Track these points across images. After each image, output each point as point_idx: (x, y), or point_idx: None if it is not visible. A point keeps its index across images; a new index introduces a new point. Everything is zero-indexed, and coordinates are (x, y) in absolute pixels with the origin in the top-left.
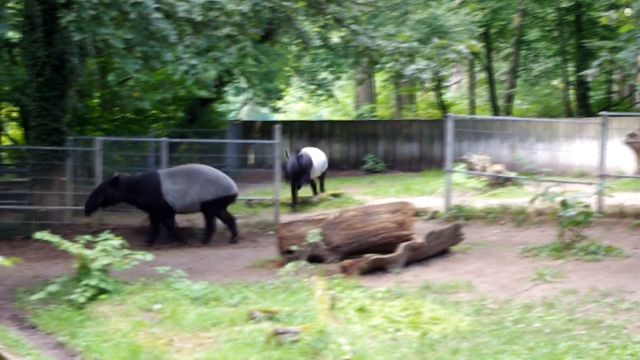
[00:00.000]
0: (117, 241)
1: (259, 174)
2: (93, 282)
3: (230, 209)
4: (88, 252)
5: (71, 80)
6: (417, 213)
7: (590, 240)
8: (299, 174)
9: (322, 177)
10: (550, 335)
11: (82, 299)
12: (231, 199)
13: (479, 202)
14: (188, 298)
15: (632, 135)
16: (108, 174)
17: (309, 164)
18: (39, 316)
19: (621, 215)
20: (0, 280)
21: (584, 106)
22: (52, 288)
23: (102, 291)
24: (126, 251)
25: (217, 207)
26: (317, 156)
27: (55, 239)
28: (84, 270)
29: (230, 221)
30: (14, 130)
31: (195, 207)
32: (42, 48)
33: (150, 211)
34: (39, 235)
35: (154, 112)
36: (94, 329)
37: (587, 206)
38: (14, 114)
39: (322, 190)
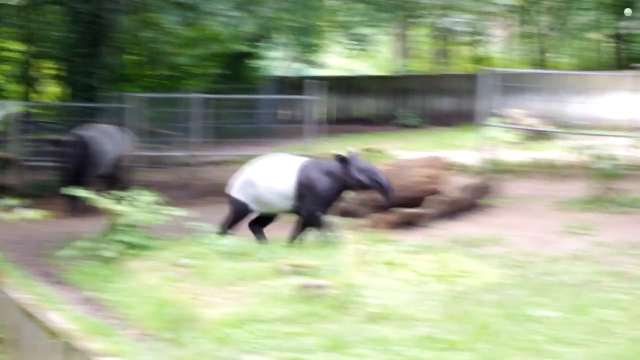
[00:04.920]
0: (147, 197)
1: (294, 129)
2: (123, 237)
3: None
4: (118, 208)
5: (107, 37)
6: (450, 167)
7: (626, 194)
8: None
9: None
10: (581, 287)
11: (111, 255)
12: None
13: (513, 155)
14: (217, 253)
15: None
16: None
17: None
18: (68, 271)
19: None
20: (30, 235)
21: (621, 59)
22: (82, 244)
23: (132, 246)
24: (156, 206)
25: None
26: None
27: (84, 194)
28: (114, 225)
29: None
30: (52, 87)
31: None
32: (80, 3)
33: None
34: (67, 190)
35: (193, 68)
36: (123, 284)
37: (620, 159)
38: (52, 71)
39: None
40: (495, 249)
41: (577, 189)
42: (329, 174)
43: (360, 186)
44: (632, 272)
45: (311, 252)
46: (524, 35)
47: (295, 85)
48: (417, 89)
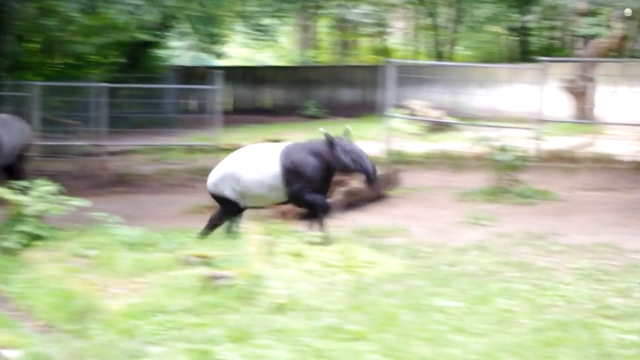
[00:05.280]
0: (53, 187)
1: (199, 120)
2: (27, 228)
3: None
4: (23, 198)
5: (6, 24)
6: None
7: (526, 185)
8: None
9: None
10: (483, 277)
11: (12, 245)
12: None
13: (418, 147)
14: (124, 244)
15: (570, 81)
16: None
17: None
18: None
19: (557, 159)
20: None
21: (524, 52)
22: None
23: (37, 238)
24: (62, 197)
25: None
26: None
27: None
28: (19, 216)
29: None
30: None
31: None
32: None
33: None
34: None
35: (96, 57)
36: (28, 275)
37: (523, 151)
38: None
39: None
40: (400, 240)
41: (479, 180)
42: (314, 154)
43: (344, 169)
44: (534, 263)
45: (217, 243)
46: (426, 28)
47: (199, 75)
48: (320, 80)
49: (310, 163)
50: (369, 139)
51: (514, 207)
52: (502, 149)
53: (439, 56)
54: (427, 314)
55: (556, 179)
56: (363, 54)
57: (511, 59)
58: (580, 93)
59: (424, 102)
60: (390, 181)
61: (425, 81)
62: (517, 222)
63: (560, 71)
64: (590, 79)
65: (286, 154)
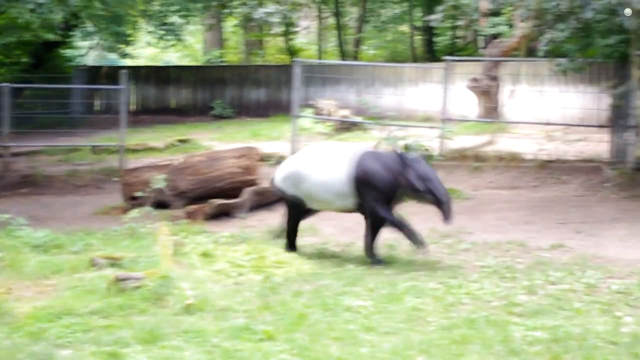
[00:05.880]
0: None
1: (105, 120)
2: None
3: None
4: None
5: None
6: (263, 158)
7: None
8: None
9: None
10: (391, 276)
11: None
12: None
13: None
14: (29, 246)
15: (475, 80)
16: None
17: None
18: None
19: (462, 158)
20: None
21: (430, 51)
22: None
23: None
24: None
25: None
26: None
27: None
28: None
29: None
30: None
31: None
32: None
33: None
34: None
35: None
36: None
37: (429, 149)
38: None
39: None
40: (311, 240)
41: None
42: (387, 168)
43: (413, 192)
44: (441, 261)
45: (126, 244)
46: (335, 27)
47: (109, 75)
48: (227, 80)
49: (382, 176)
50: (276, 139)
51: (420, 205)
52: (408, 148)
53: (345, 55)
54: (336, 313)
55: (462, 177)
56: (270, 53)
57: (417, 59)
58: (485, 92)
59: (331, 102)
60: None
61: (332, 80)
62: (423, 220)
63: (466, 70)
64: (495, 78)
65: (359, 162)
